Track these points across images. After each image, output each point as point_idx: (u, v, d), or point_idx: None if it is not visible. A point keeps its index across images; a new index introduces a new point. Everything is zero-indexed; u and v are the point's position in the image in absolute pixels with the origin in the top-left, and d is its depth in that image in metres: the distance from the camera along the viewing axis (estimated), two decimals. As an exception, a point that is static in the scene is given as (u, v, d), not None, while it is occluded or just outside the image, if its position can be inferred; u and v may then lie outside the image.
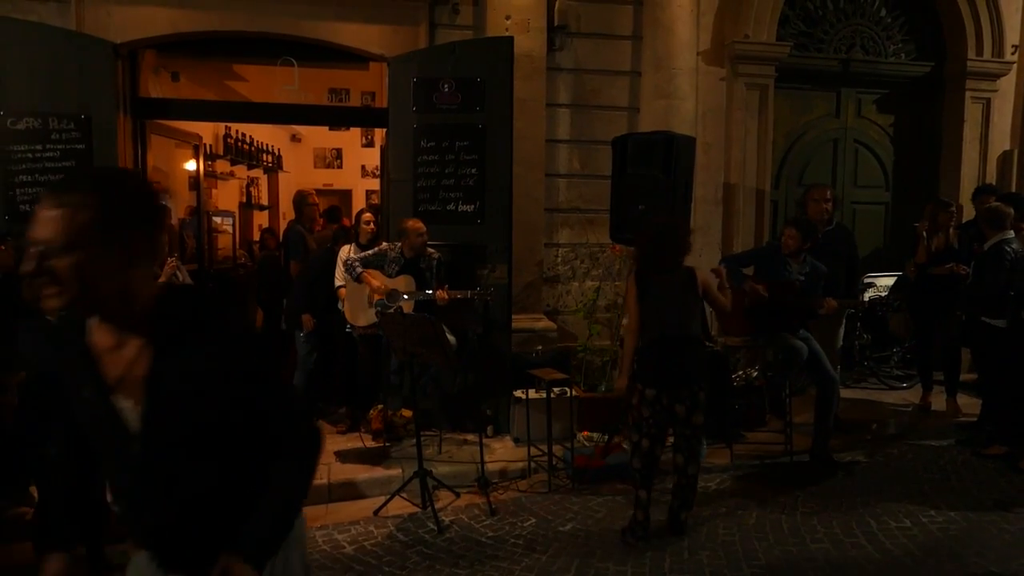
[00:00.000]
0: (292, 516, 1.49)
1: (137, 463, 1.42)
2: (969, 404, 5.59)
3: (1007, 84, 6.84)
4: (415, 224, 4.81)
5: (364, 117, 7.35)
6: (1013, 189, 6.72)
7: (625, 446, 4.28)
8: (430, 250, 4.90)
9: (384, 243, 5.10)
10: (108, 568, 3.38)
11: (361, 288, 4.88)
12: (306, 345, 5.32)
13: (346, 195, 10.28)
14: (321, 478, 4.38)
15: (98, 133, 4.91)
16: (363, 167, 10.39)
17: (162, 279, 4.69)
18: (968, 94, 6.74)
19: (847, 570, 3.39)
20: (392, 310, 4.37)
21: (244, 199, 9.13)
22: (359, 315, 4.90)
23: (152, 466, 1.41)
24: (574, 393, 4.90)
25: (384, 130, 5.79)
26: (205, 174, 7.08)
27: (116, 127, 5.04)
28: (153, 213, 1.40)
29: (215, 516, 1.44)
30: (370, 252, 4.97)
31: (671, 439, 3.77)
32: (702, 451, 4.83)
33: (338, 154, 10.57)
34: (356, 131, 10.05)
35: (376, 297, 4.76)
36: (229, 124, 8.15)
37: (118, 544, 3.60)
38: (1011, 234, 5.00)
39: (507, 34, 5.27)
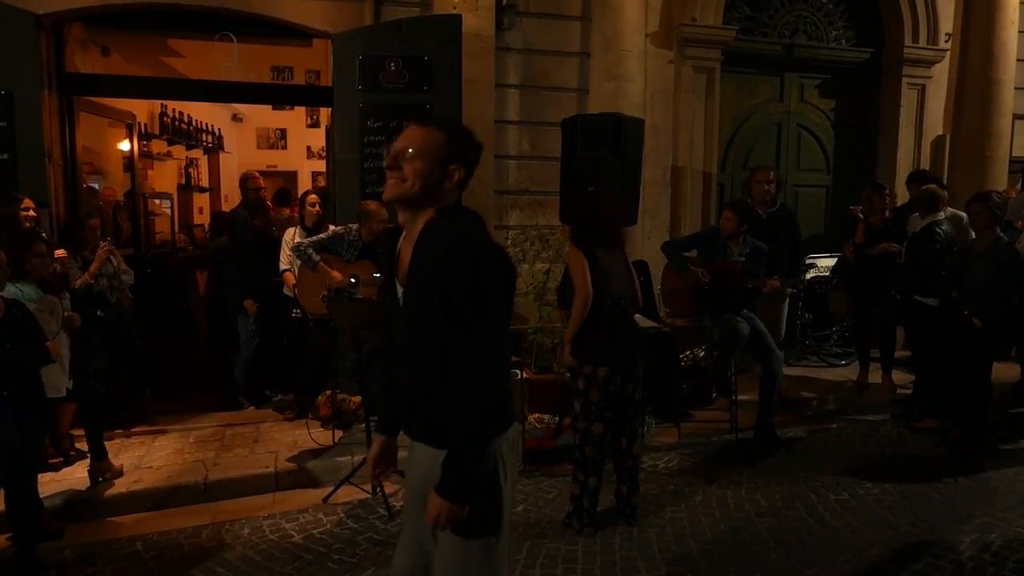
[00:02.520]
0: (469, 460, 1.74)
1: (400, 341, 1.86)
2: (904, 380, 5.83)
3: (941, 71, 7.08)
4: (379, 209, 4.59)
5: (308, 96, 7.16)
6: (945, 173, 6.99)
7: (563, 442, 4.16)
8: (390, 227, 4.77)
9: (331, 226, 4.97)
10: (42, 567, 3.24)
11: (315, 273, 4.71)
12: (248, 329, 5.19)
13: (291, 176, 10.02)
14: (268, 466, 4.29)
15: (20, 110, 4.63)
16: (308, 148, 10.15)
17: (95, 265, 4.51)
18: (904, 80, 6.96)
19: (789, 543, 3.50)
20: (353, 294, 4.22)
21: (183, 181, 8.80)
22: (315, 300, 4.71)
23: (406, 345, 1.84)
24: (525, 375, 4.90)
25: (329, 110, 5.64)
26: (140, 154, 6.79)
27: (40, 104, 4.76)
28: (475, 159, 1.85)
29: (440, 396, 1.77)
30: (324, 236, 4.80)
31: None
32: (650, 428, 4.93)
33: (282, 134, 10.28)
34: (301, 111, 9.79)
35: (343, 285, 4.53)
36: (165, 102, 7.81)
37: (51, 542, 3.47)
38: (942, 216, 5.20)
39: (455, 12, 5.17)
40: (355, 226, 4.74)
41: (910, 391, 5.58)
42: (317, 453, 4.48)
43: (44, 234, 4.20)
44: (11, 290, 3.51)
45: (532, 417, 5.00)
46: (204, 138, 9.04)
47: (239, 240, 5.34)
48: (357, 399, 4.86)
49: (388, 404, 2.09)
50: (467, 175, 1.84)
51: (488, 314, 1.72)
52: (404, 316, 1.86)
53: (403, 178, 1.77)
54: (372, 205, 4.65)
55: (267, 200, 6.91)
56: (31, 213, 4.24)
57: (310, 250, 4.68)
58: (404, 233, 1.90)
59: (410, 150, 1.77)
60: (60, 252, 4.23)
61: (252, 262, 5.21)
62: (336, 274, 4.60)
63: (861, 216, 5.64)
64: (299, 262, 4.78)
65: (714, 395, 5.53)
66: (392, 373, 2.01)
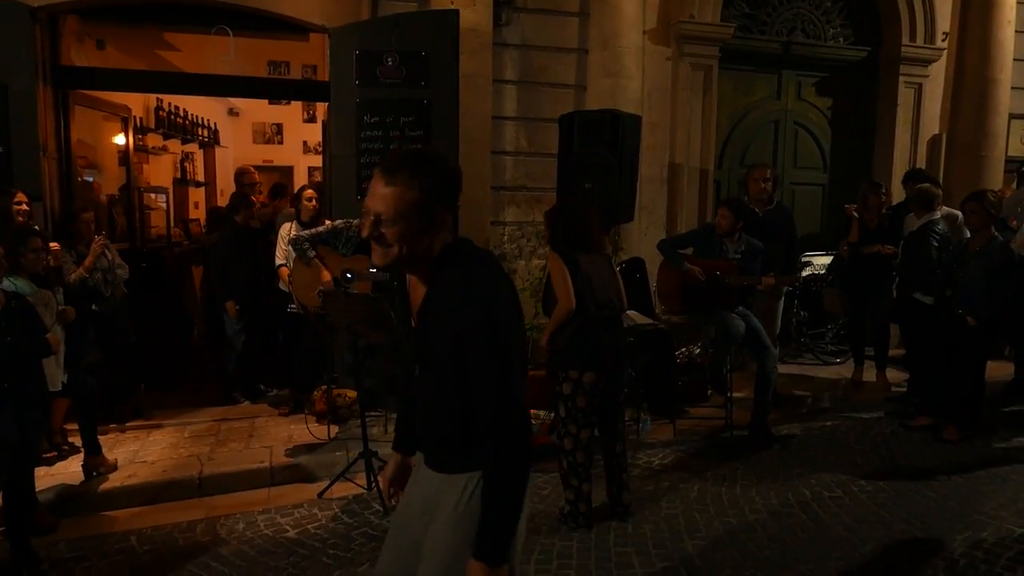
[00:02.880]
0: (506, 519, 1.65)
1: (417, 373, 1.85)
2: (898, 378, 5.85)
3: (937, 70, 7.09)
4: None
5: (305, 91, 7.12)
6: (941, 172, 7.01)
7: (556, 439, 4.01)
8: None
9: (327, 220, 4.96)
10: (36, 561, 3.23)
11: (312, 268, 4.69)
12: (234, 327, 5.19)
13: (287, 171, 9.99)
14: (263, 461, 4.29)
15: (15, 103, 4.61)
16: (305, 143, 10.11)
17: (89, 259, 4.50)
18: (901, 79, 6.97)
19: (783, 539, 3.51)
20: (348, 289, 4.21)
21: (179, 175, 8.76)
22: (312, 294, 4.69)
23: (421, 377, 1.83)
24: (520, 372, 4.89)
25: (326, 104, 5.62)
26: (135, 148, 6.77)
27: (35, 97, 4.74)
28: (456, 194, 1.72)
29: (451, 429, 1.75)
30: (322, 229, 4.78)
31: None
32: (646, 425, 4.94)
33: (278, 129, 10.25)
34: (297, 105, 9.74)
35: (328, 287, 4.50)
36: (161, 96, 7.77)
37: (44, 536, 3.47)
38: (938, 215, 5.21)
39: (452, 7, 5.16)
40: (356, 221, 4.73)
41: (904, 389, 5.60)
42: (312, 448, 4.48)
43: (38, 228, 4.19)
44: (5, 284, 3.50)
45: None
46: (200, 132, 9.00)
47: (219, 238, 5.33)
48: (353, 394, 4.85)
49: (405, 424, 2.09)
50: (453, 207, 1.72)
51: (508, 371, 1.65)
52: (419, 354, 1.81)
53: (388, 245, 1.65)
54: None
55: (263, 195, 6.91)
56: (23, 207, 4.23)
57: (306, 244, 4.67)
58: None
59: (385, 216, 1.62)
60: (54, 246, 4.21)
61: (232, 261, 5.20)
62: (326, 275, 4.57)
63: (856, 215, 5.65)
64: (295, 256, 4.77)
65: (709, 392, 5.54)
66: (409, 396, 2.00)
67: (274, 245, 5.20)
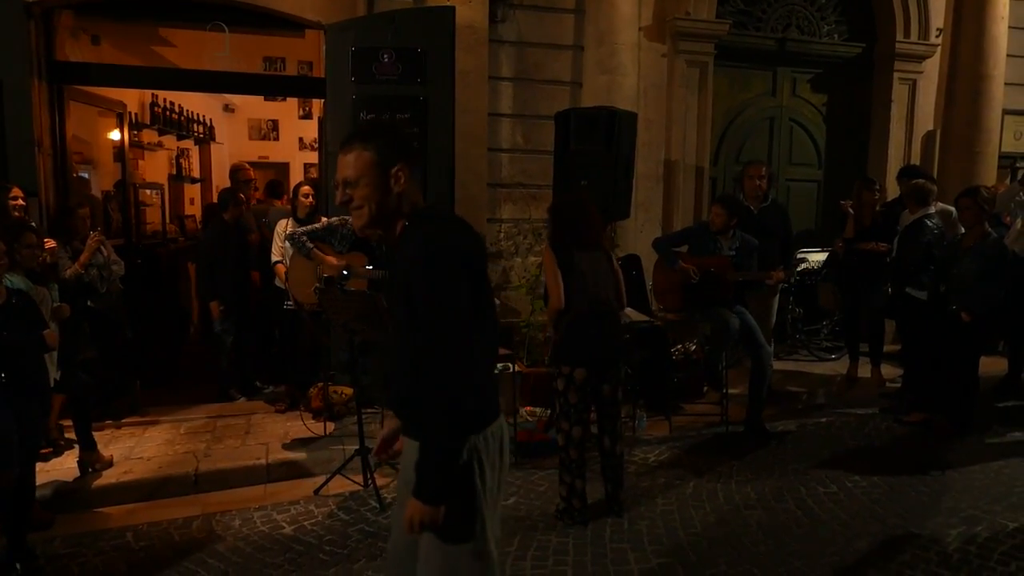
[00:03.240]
0: (433, 457, 1.74)
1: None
2: (893, 374, 5.88)
3: (931, 66, 7.10)
4: None
5: (301, 87, 7.12)
6: (935, 168, 7.03)
7: (555, 435, 4.09)
8: None
9: (324, 218, 4.96)
10: (32, 557, 3.23)
11: (308, 264, 4.70)
12: (219, 326, 5.20)
13: (283, 168, 9.96)
14: (259, 458, 4.29)
15: (9, 99, 4.59)
16: (301, 139, 10.07)
17: (85, 255, 4.49)
18: (896, 75, 6.98)
19: (778, 535, 3.53)
20: (344, 286, 4.21)
21: (174, 171, 8.73)
22: (308, 291, 4.70)
23: (390, 343, 2.01)
24: (517, 368, 4.91)
25: (322, 101, 5.61)
26: (131, 144, 6.74)
27: (30, 92, 4.73)
28: (407, 150, 1.88)
29: (408, 389, 1.84)
30: (318, 226, 4.76)
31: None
32: (642, 422, 4.96)
33: (274, 125, 10.20)
34: (293, 102, 9.72)
35: (327, 273, 4.48)
36: (156, 92, 7.74)
37: (40, 532, 3.46)
38: (933, 210, 5.23)
39: (448, 4, 5.15)
40: (351, 218, 4.71)
41: (899, 385, 5.63)
42: (308, 445, 4.48)
43: (33, 223, 4.17)
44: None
45: (524, 410, 5.01)
46: (195, 128, 8.97)
47: (204, 236, 5.32)
48: (349, 391, 4.86)
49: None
50: (412, 167, 1.86)
51: (448, 310, 1.71)
52: (389, 317, 1.96)
53: (359, 206, 1.84)
54: None
55: (259, 192, 6.90)
56: (19, 202, 4.21)
57: (304, 238, 4.65)
58: None
59: (350, 179, 1.83)
60: (49, 242, 4.20)
61: (218, 259, 5.18)
62: (331, 259, 4.57)
63: (851, 211, 5.67)
64: (291, 253, 4.77)
65: (705, 389, 5.57)
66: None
67: (270, 242, 5.20)
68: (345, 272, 4.07)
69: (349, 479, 4.05)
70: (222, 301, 5.17)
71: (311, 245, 4.64)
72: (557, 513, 3.66)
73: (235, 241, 5.30)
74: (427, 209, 1.88)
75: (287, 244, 4.81)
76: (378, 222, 1.85)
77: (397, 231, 1.86)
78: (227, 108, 9.98)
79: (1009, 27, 6.93)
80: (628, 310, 5.27)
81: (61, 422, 4.36)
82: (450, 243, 1.77)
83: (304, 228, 4.75)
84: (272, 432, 4.72)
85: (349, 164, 1.82)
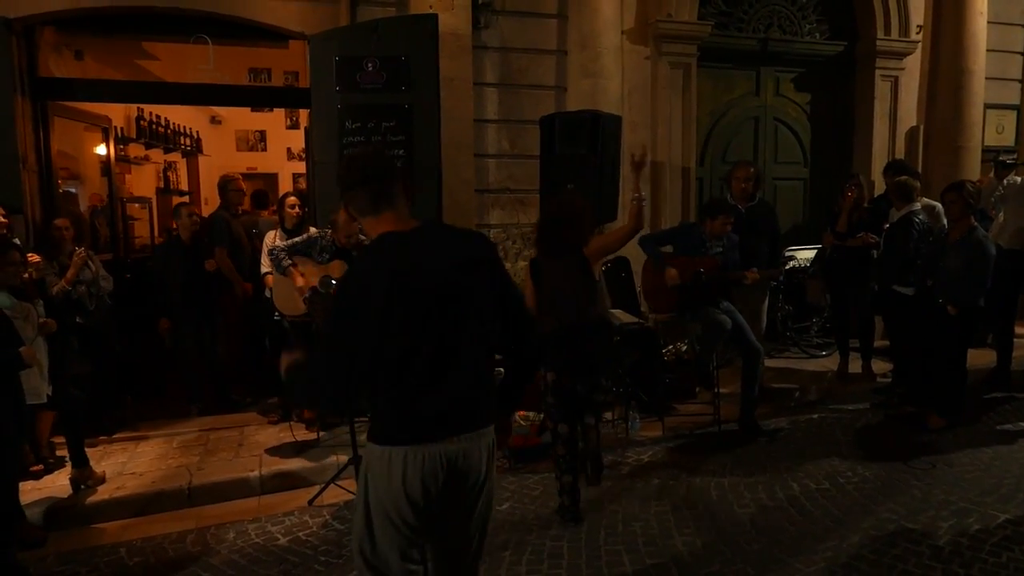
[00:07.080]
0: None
1: None
2: (884, 369, 5.91)
3: (913, 62, 7.17)
4: (347, 224, 4.39)
5: (286, 97, 7.12)
6: (920, 163, 7.09)
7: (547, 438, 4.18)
8: (362, 236, 4.75)
9: (312, 228, 4.95)
10: (25, 574, 3.21)
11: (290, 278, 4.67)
12: (169, 342, 5.23)
13: (271, 179, 9.95)
14: (252, 470, 4.28)
15: (-8, 116, 4.59)
16: (288, 149, 10.06)
17: (71, 271, 4.47)
18: (878, 72, 7.05)
19: (772, 533, 3.54)
20: (330, 292, 4.20)
21: (162, 184, 8.71)
22: (291, 303, 4.70)
23: None
24: (508, 373, 4.91)
25: (308, 111, 5.61)
26: (117, 159, 6.73)
27: (13, 109, 4.72)
28: (354, 178, 1.96)
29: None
30: (298, 240, 4.76)
31: None
32: (635, 423, 4.98)
33: (262, 136, 10.18)
34: (280, 112, 9.70)
35: (303, 292, 4.46)
36: (142, 106, 7.73)
37: (33, 550, 3.45)
38: (918, 206, 5.27)
39: (431, 11, 5.17)
40: (329, 231, 4.71)
41: (890, 380, 5.66)
42: (302, 455, 4.47)
43: (17, 240, 4.16)
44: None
45: (517, 415, 5.01)
46: (182, 141, 8.95)
47: (157, 252, 5.29)
48: (341, 400, 4.84)
49: None
50: (366, 191, 1.97)
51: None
52: None
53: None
54: (341, 218, 4.45)
55: (244, 204, 6.87)
56: (2, 219, 4.20)
57: (283, 254, 4.61)
58: None
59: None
60: (34, 257, 4.19)
61: (167, 274, 5.15)
62: (299, 280, 4.51)
63: (851, 194, 5.56)
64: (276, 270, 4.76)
65: (697, 389, 5.58)
66: None
67: (260, 252, 5.19)
68: (331, 280, 4.08)
69: (343, 488, 4.04)
70: (171, 316, 5.15)
71: (288, 262, 4.57)
72: (558, 510, 3.70)
73: (182, 256, 5.17)
74: (380, 235, 1.97)
75: (269, 258, 4.80)
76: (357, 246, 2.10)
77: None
78: (214, 120, 9.95)
79: (988, 22, 7.01)
80: (618, 312, 5.29)
81: (53, 439, 4.33)
82: (361, 267, 1.97)
83: (285, 243, 4.72)
84: (265, 443, 4.71)
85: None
